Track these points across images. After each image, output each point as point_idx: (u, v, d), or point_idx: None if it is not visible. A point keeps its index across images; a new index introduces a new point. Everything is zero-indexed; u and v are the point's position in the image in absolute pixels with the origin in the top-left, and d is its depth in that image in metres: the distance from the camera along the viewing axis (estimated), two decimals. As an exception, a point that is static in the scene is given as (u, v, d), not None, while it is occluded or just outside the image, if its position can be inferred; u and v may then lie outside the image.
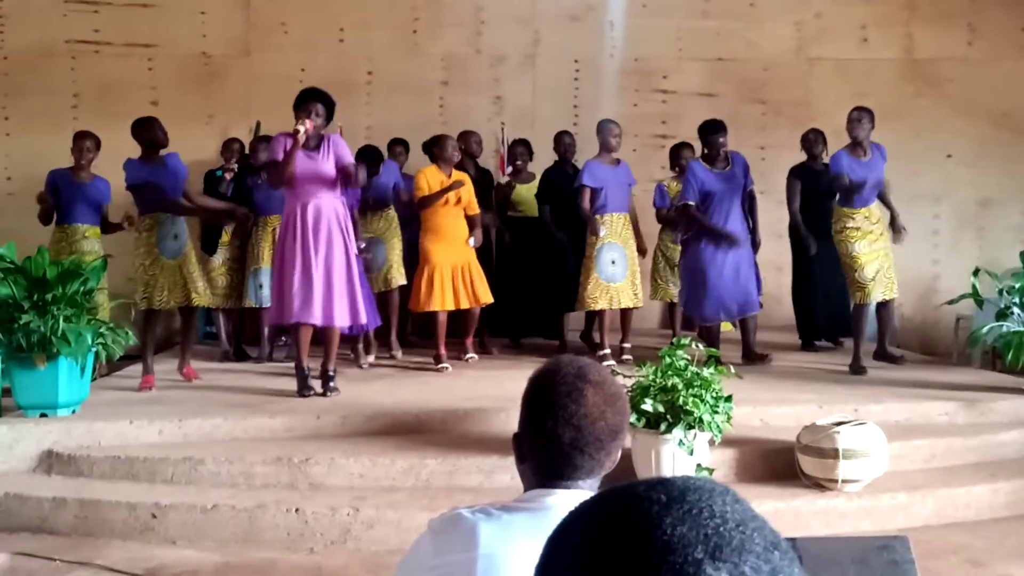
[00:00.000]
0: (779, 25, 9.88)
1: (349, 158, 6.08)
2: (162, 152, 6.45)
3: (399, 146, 8.39)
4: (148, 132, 6.37)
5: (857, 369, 6.78)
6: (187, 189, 6.59)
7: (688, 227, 7.21)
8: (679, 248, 7.76)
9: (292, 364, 7.36)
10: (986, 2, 9.80)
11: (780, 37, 9.88)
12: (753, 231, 7.34)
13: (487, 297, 7.26)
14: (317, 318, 5.90)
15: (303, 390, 6.01)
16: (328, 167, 5.96)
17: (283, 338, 7.92)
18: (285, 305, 5.91)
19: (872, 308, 6.95)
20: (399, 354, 7.74)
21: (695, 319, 7.37)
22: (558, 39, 9.73)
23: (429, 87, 9.59)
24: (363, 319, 6.29)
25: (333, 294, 5.90)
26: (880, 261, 6.76)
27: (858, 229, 6.76)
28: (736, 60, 9.79)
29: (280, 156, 5.85)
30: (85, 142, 7.09)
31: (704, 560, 0.67)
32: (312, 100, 5.92)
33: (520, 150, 8.29)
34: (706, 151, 7.22)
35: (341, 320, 6.00)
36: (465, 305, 7.18)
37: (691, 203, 7.04)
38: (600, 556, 0.70)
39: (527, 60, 9.78)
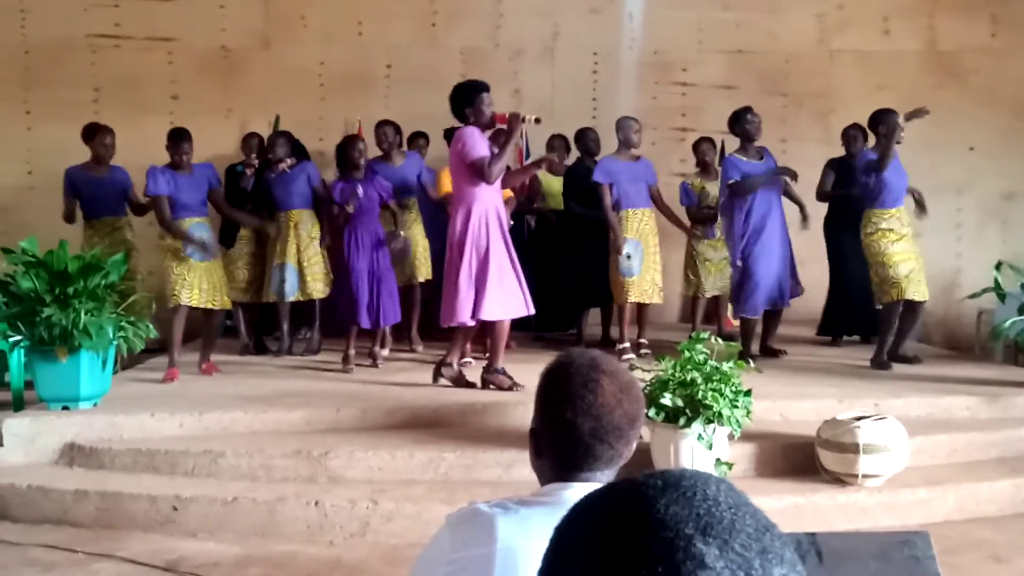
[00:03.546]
0: (800, 16, 9.80)
1: None
2: (193, 161, 6.66)
3: (421, 138, 8.40)
4: (168, 144, 6.58)
5: (880, 364, 6.73)
6: (216, 198, 6.79)
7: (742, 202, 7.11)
8: (711, 243, 7.79)
9: (311, 357, 7.42)
10: (1009, -8, 9.70)
11: (801, 28, 9.80)
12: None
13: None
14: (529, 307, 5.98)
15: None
16: None
17: (303, 331, 7.93)
18: (511, 302, 5.84)
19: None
20: (419, 348, 7.75)
21: (739, 313, 7.21)
22: (577, 31, 9.68)
23: (448, 80, 9.47)
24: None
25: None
26: (913, 262, 6.71)
27: (891, 231, 6.71)
28: (757, 52, 9.72)
29: (488, 152, 5.78)
30: (104, 137, 7.12)
31: (695, 536, 0.71)
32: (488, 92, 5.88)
33: (557, 143, 8.30)
34: (739, 143, 7.19)
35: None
36: None
37: (736, 180, 7.03)
38: (601, 538, 0.74)
39: (546, 53, 9.74)
